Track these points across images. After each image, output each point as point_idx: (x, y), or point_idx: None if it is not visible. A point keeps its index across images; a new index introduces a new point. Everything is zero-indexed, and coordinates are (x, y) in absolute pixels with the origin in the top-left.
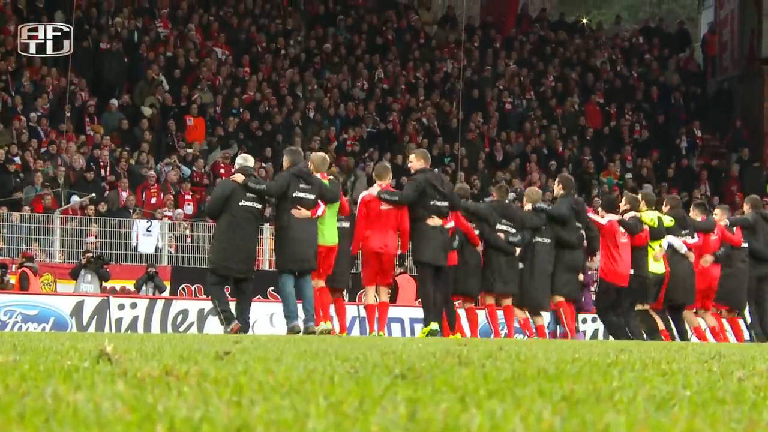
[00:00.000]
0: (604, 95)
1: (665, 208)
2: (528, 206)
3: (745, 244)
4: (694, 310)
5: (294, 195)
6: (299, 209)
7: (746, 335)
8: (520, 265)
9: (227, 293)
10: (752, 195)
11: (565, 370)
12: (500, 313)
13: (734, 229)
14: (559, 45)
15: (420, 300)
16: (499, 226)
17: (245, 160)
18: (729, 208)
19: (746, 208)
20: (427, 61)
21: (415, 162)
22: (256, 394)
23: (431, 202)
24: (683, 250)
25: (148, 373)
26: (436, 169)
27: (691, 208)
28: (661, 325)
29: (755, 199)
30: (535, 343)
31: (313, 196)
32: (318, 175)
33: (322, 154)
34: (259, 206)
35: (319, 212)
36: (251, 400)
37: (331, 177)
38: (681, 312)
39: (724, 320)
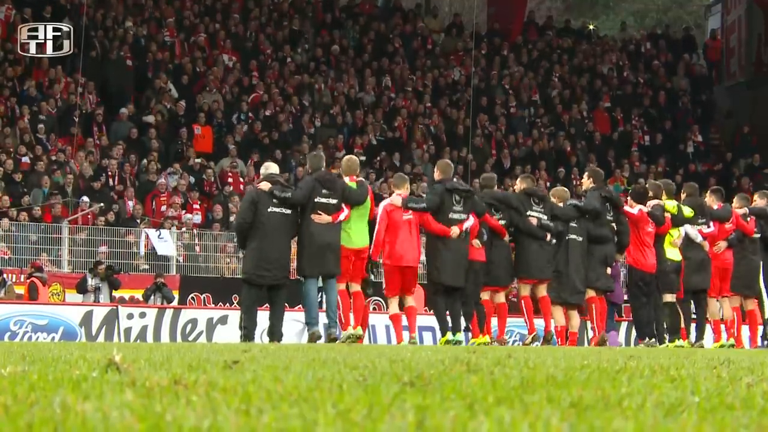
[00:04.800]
0: (611, 101)
1: (682, 196)
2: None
3: (757, 235)
4: (717, 301)
5: (316, 201)
6: (320, 214)
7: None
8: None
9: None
10: (764, 190)
11: (573, 377)
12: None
13: (748, 218)
14: (566, 51)
15: (433, 311)
16: (530, 213)
17: (267, 168)
18: (747, 198)
19: (760, 201)
20: (435, 68)
21: (436, 173)
22: (264, 403)
23: (449, 216)
24: (699, 239)
25: (156, 382)
26: (455, 178)
27: (707, 195)
28: (682, 322)
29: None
30: (544, 349)
31: (335, 201)
32: (347, 178)
33: (352, 156)
34: (289, 212)
35: (342, 216)
36: (260, 409)
37: (361, 179)
38: (704, 300)
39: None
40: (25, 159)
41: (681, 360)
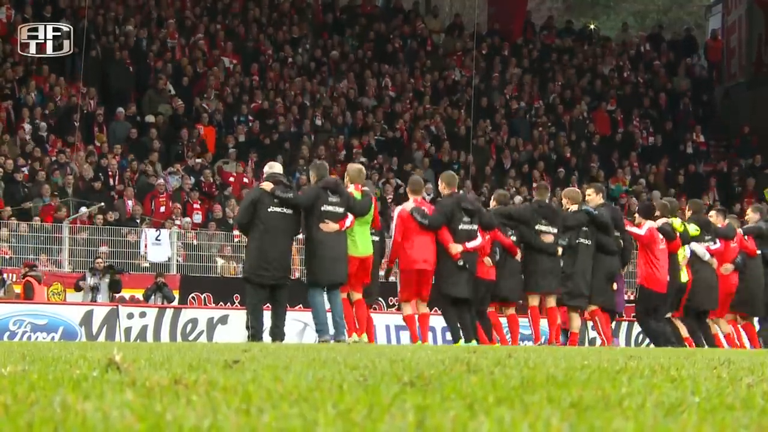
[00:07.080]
0: (612, 102)
1: (687, 213)
2: (573, 207)
3: (759, 252)
4: (711, 319)
5: (322, 209)
6: (327, 223)
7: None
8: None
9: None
10: (757, 204)
11: (574, 377)
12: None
13: (746, 237)
14: (567, 52)
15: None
16: (538, 227)
17: (271, 167)
18: (736, 217)
19: (754, 216)
20: (435, 68)
21: (441, 188)
22: (264, 402)
23: (459, 227)
24: (707, 257)
25: (156, 382)
26: (461, 191)
27: (711, 214)
28: (684, 332)
29: (761, 209)
30: (545, 349)
31: (341, 209)
32: (352, 187)
33: (358, 165)
34: (290, 212)
35: (347, 223)
36: (260, 409)
37: (366, 189)
38: (705, 318)
39: (739, 327)
40: (26, 159)
41: (681, 360)
